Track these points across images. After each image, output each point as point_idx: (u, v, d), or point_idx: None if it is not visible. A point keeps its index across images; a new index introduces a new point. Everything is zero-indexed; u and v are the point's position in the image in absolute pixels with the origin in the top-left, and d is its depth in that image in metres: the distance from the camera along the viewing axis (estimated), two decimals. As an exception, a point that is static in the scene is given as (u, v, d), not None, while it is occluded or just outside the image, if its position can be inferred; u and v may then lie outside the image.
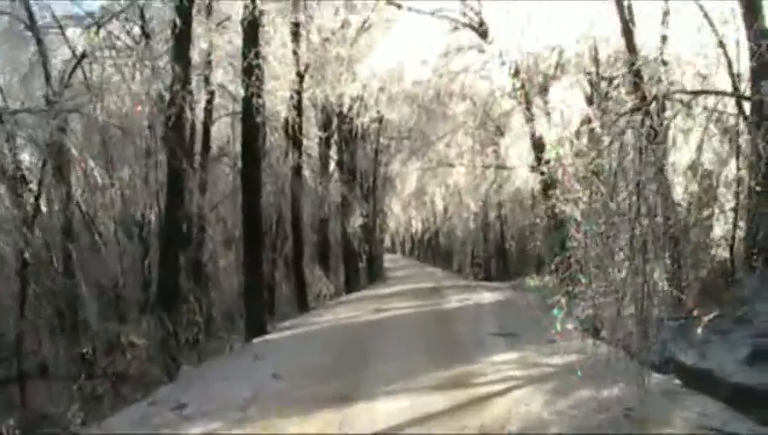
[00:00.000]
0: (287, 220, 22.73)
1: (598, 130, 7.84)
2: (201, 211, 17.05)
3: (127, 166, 15.45)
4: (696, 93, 8.88)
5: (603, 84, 17.92)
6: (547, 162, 12.25)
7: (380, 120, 32.51)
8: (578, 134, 15.05)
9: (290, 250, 22.90)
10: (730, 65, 11.78)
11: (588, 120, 12.19)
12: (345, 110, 29.01)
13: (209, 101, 18.95)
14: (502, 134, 28.70)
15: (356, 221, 29.79)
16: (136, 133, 13.98)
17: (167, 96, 13.10)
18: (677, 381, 8.19)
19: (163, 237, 13.77)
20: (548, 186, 18.55)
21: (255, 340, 13.63)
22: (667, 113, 9.43)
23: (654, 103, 7.01)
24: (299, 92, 21.10)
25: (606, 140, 6.80)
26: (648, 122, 6.73)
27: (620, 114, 6.91)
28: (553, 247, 15.66)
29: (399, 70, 31.91)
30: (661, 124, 7.09)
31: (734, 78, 11.85)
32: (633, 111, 7.03)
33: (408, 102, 32.31)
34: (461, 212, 38.61)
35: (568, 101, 21.36)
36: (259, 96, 14.03)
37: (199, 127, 19.12)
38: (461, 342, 11.75)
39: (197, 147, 19.00)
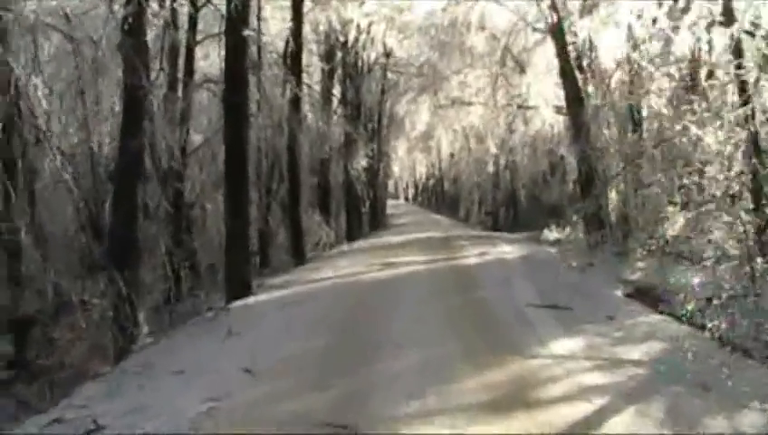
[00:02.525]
0: (284, 160, 19.99)
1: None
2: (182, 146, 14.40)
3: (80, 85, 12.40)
4: None
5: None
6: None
7: (388, 54, 30.00)
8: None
9: (286, 193, 20.21)
10: None
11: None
12: (350, 41, 26.46)
13: (192, 17, 16.10)
14: (523, 71, 25.95)
15: (360, 163, 27.08)
16: (84, 40, 10.81)
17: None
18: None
19: (116, 174, 10.76)
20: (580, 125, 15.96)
21: (235, 303, 11.01)
22: None
23: None
24: (298, 9, 18.22)
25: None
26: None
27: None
28: (600, 197, 13.14)
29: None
30: None
31: None
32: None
33: (419, 34, 29.67)
34: (470, 158, 36.37)
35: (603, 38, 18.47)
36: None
37: (183, 51, 16.49)
38: (497, 316, 9.05)
39: (180, 72, 16.34)
